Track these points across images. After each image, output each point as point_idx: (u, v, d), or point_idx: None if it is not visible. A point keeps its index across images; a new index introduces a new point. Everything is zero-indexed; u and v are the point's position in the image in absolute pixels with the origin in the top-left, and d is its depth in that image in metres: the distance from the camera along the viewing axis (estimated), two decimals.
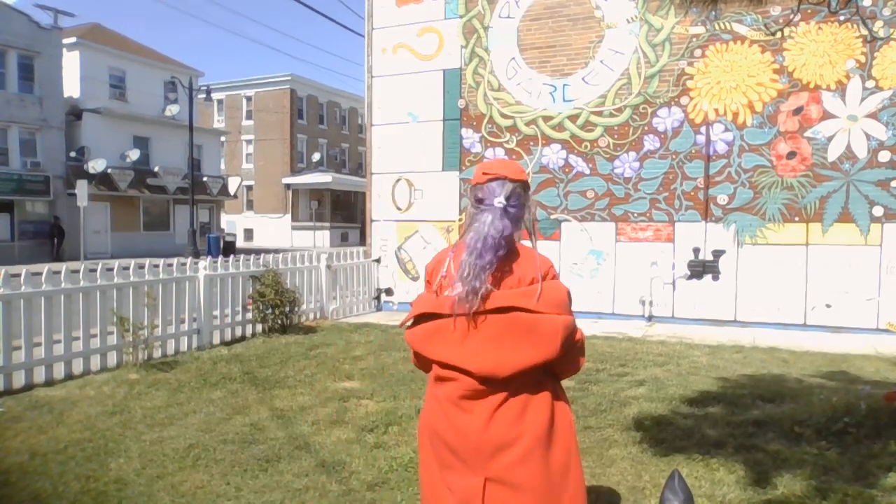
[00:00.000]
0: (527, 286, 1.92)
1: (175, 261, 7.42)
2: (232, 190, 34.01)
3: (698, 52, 9.18)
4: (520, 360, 1.85)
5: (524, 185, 2.04)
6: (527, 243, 2.05)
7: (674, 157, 9.33)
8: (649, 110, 9.44)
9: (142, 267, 7.06)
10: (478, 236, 1.91)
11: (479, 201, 2.00)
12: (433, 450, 1.98)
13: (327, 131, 43.96)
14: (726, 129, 9.05)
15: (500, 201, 1.96)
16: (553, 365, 1.92)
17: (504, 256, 1.93)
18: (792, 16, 8.11)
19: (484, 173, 2.03)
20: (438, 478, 1.98)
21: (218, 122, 41.61)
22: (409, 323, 2.06)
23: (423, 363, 2.06)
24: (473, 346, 1.89)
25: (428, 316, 1.98)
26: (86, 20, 39.24)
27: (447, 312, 1.91)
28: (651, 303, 9.48)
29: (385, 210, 11.21)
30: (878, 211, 8.37)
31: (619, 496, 3.38)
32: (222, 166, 36.80)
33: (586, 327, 8.75)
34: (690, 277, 9.31)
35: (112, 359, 6.43)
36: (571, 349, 1.95)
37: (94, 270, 6.48)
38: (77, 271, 6.27)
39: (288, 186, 40.34)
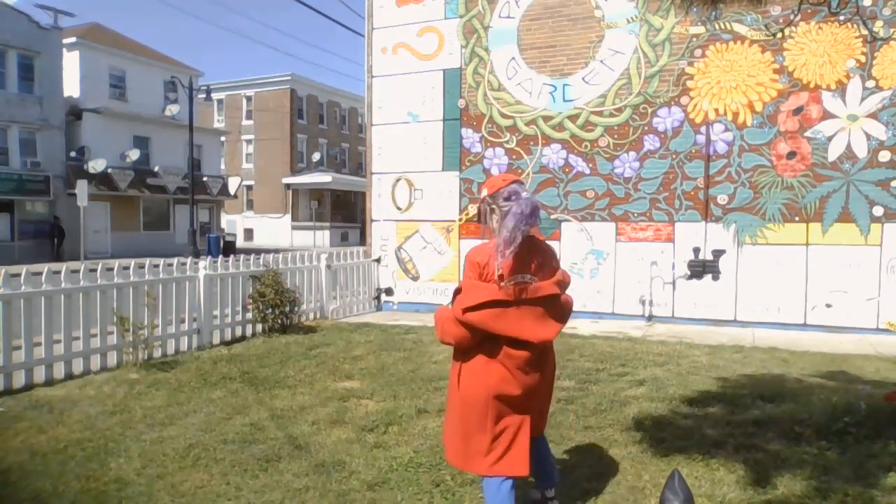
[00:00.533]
0: (553, 276, 2.66)
1: (175, 261, 7.42)
2: (232, 190, 34.00)
3: (698, 52, 9.18)
4: (556, 329, 2.65)
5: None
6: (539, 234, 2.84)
7: (674, 156, 9.33)
8: (649, 110, 9.44)
9: (142, 267, 7.06)
10: (518, 223, 2.53)
11: (508, 199, 2.62)
12: (491, 405, 2.60)
13: (327, 131, 43.96)
14: (726, 129, 9.05)
15: (525, 194, 2.64)
16: None
17: (533, 243, 2.62)
18: (792, 16, 8.10)
19: (503, 180, 2.73)
20: (479, 425, 2.63)
21: (218, 122, 41.62)
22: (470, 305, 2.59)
23: (473, 340, 2.62)
24: (529, 322, 2.57)
25: (489, 302, 2.55)
26: (86, 20, 39.24)
27: (513, 299, 2.55)
28: (651, 303, 9.48)
29: (385, 210, 11.21)
30: (878, 211, 8.37)
31: (620, 496, 3.38)
32: (222, 166, 36.80)
33: (586, 327, 8.77)
34: (690, 277, 9.31)
35: (112, 359, 6.43)
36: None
37: (94, 270, 6.48)
38: (77, 271, 6.28)
39: (288, 186, 40.35)
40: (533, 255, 2.61)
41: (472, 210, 10.53)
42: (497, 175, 2.90)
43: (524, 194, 2.62)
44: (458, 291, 2.69)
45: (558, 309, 2.67)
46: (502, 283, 2.53)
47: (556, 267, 2.72)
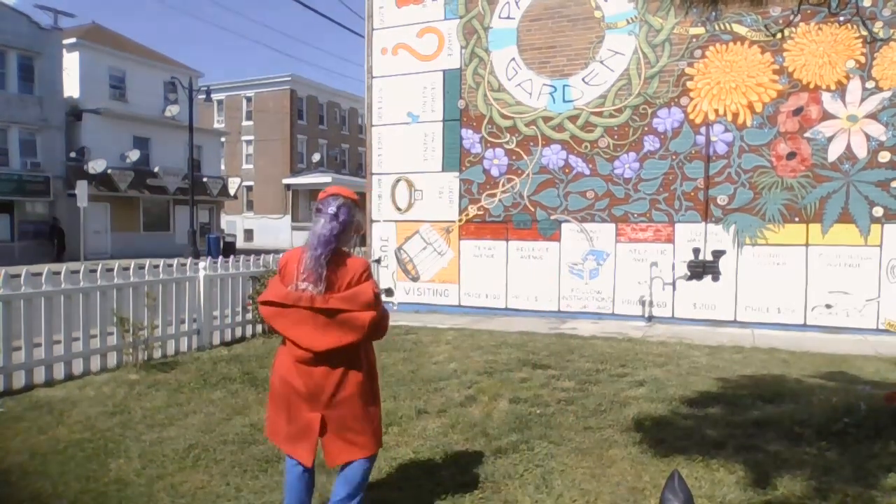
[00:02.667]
0: (345, 290, 2.74)
1: (175, 261, 7.42)
2: (232, 190, 33.99)
3: (698, 53, 9.19)
4: (332, 341, 2.72)
5: (354, 203, 2.86)
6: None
7: (674, 157, 9.33)
8: (649, 111, 9.44)
9: (142, 267, 7.06)
10: (314, 235, 2.73)
11: (318, 211, 2.80)
12: (282, 390, 2.81)
13: (327, 132, 43.97)
14: (726, 130, 9.05)
15: (331, 210, 2.76)
16: (364, 340, 2.82)
17: (334, 259, 2.73)
18: (792, 16, 8.10)
19: (324, 192, 2.86)
20: (277, 407, 2.85)
21: (218, 123, 41.61)
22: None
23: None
24: (306, 329, 2.73)
25: (273, 301, 2.78)
26: (85, 20, 39.23)
27: (291, 303, 2.72)
28: (651, 303, 9.48)
29: (385, 210, 11.21)
30: (878, 211, 8.37)
31: (619, 496, 3.38)
32: (222, 167, 36.79)
33: (586, 328, 8.76)
34: (690, 278, 9.31)
35: (112, 359, 6.42)
36: (376, 330, 2.85)
37: (94, 271, 6.48)
38: (77, 271, 6.27)
39: (288, 187, 40.36)
40: (330, 269, 2.72)
41: (473, 211, 10.54)
42: (331, 186, 3.04)
43: (330, 209, 2.76)
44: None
45: (342, 322, 2.73)
46: (289, 288, 2.75)
47: (356, 283, 2.75)
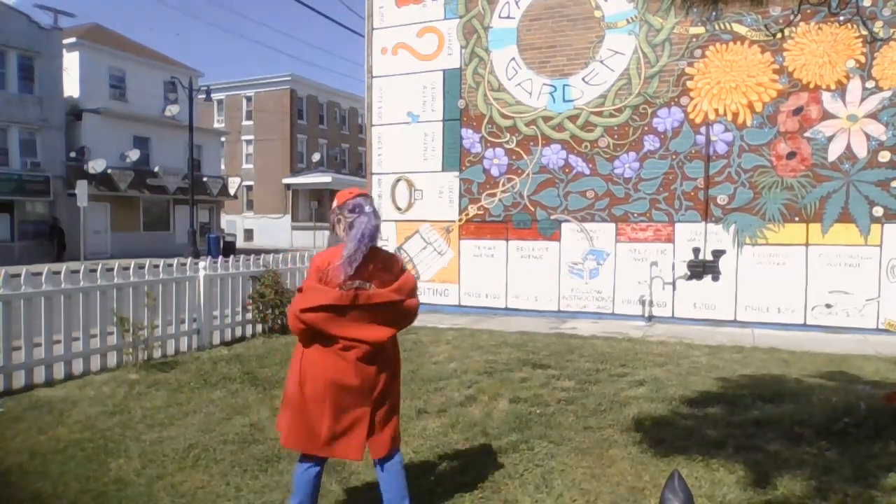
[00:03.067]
0: (394, 283, 2.88)
1: (175, 261, 7.42)
2: (232, 190, 33.97)
3: (698, 53, 9.19)
4: (390, 332, 2.88)
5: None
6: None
7: (674, 157, 9.33)
8: (649, 110, 9.44)
9: (142, 267, 7.06)
10: (361, 233, 2.81)
11: (354, 211, 2.87)
12: (329, 392, 2.80)
13: (327, 131, 43.96)
14: (726, 130, 9.05)
15: (369, 208, 2.89)
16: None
17: (374, 252, 2.86)
18: (792, 16, 8.09)
19: (350, 193, 2.96)
20: (318, 410, 2.81)
21: (218, 123, 41.60)
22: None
23: (309, 335, 2.83)
24: (363, 325, 2.81)
25: (325, 306, 2.77)
26: (86, 20, 39.24)
27: (348, 303, 2.77)
28: (651, 303, 9.48)
29: (385, 210, 11.20)
30: (878, 211, 8.37)
31: (619, 496, 3.38)
32: (222, 166, 36.78)
33: (586, 327, 8.77)
34: (690, 278, 9.31)
35: (112, 359, 6.43)
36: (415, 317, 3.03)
37: (94, 271, 6.48)
38: (77, 271, 6.27)
39: (288, 187, 40.35)
40: (372, 263, 2.85)
41: (473, 211, 10.54)
42: (346, 189, 3.08)
43: (367, 209, 2.89)
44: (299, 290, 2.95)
45: (395, 313, 2.90)
46: (342, 288, 2.77)
47: (398, 274, 2.94)
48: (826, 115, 8.59)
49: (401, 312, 2.92)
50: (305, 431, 2.84)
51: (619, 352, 7.09)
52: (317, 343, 2.84)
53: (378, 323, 2.84)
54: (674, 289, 9.40)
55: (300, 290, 2.90)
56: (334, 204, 2.98)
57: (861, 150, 8.44)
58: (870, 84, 8.39)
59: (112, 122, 27.47)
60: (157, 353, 6.82)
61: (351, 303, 2.77)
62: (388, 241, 11.17)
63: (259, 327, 8.28)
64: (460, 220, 10.63)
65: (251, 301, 8.13)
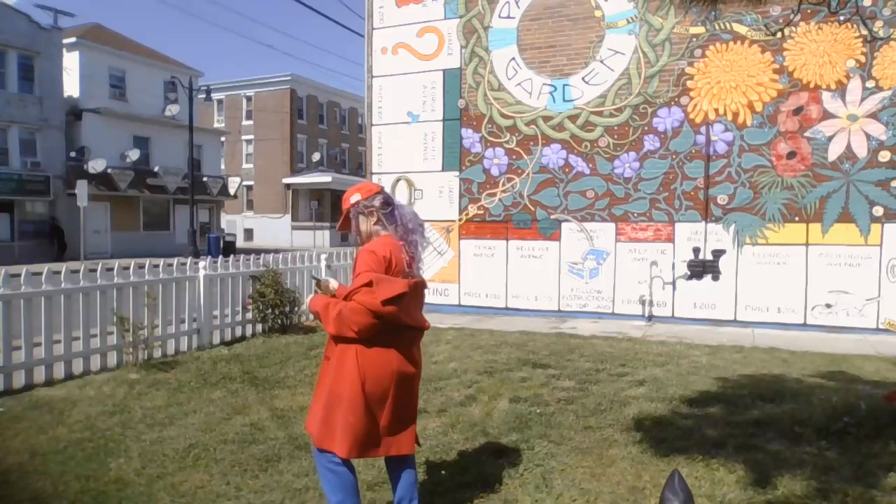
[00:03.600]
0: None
1: (175, 261, 7.42)
2: (232, 190, 33.97)
3: (698, 52, 9.18)
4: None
5: None
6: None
7: (674, 157, 9.33)
8: (649, 110, 9.44)
9: (142, 267, 7.06)
10: (411, 221, 2.88)
11: (387, 204, 2.86)
12: (393, 388, 2.74)
13: (327, 131, 43.94)
14: (726, 129, 9.05)
15: (397, 199, 2.95)
16: None
17: None
18: (792, 16, 8.10)
19: (365, 187, 2.92)
20: (378, 409, 2.74)
21: (218, 122, 41.59)
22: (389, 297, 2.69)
23: (377, 329, 2.69)
24: (418, 312, 2.91)
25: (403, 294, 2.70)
26: (86, 20, 39.25)
27: (411, 290, 2.76)
28: (651, 303, 9.48)
29: None
30: (878, 211, 8.37)
31: (619, 496, 3.38)
32: (222, 166, 36.77)
33: (586, 327, 8.77)
34: (690, 277, 9.31)
35: (112, 359, 6.43)
36: None
37: (94, 270, 6.48)
38: (77, 271, 6.27)
39: (288, 186, 40.33)
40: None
41: (473, 211, 10.53)
42: (362, 183, 3.04)
43: (398, 200, 2.99)
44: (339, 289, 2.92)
45: (423, 298, 3.04)
46: (405, 276, 2.78)
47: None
48: (826, 115, 8.59)
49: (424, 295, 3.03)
50: (367, 436, 2.72)
51: (619, 351, 7.09)
52: (379, 339, 2.70)
53: (421, 308, 2.94)
54: (674, 288, 9.40)
55: (366, 285, 2.63)
56: (357, 197, 2.87)
57: (861, 150, 8.44)
58: (870, 84, 8.39)
59: (112, 121, 27.46)
60: (157, 353, 6.83)
61: (411, 289, 2.77)
62: None
63: (259, 327, 8.27)
64: (460, 219, 10.63)
65: (251, 301, 8.13)
